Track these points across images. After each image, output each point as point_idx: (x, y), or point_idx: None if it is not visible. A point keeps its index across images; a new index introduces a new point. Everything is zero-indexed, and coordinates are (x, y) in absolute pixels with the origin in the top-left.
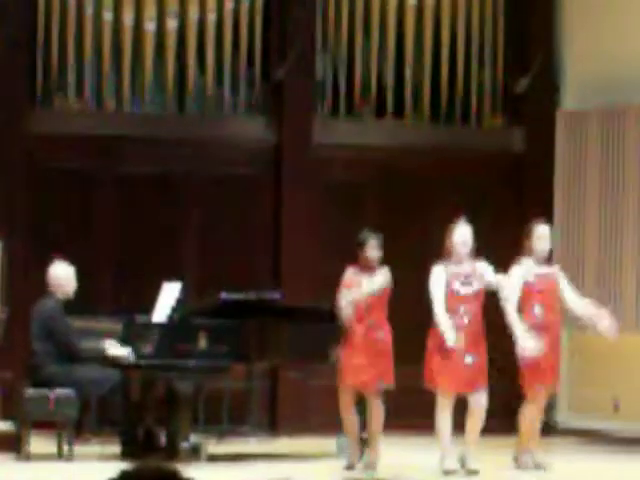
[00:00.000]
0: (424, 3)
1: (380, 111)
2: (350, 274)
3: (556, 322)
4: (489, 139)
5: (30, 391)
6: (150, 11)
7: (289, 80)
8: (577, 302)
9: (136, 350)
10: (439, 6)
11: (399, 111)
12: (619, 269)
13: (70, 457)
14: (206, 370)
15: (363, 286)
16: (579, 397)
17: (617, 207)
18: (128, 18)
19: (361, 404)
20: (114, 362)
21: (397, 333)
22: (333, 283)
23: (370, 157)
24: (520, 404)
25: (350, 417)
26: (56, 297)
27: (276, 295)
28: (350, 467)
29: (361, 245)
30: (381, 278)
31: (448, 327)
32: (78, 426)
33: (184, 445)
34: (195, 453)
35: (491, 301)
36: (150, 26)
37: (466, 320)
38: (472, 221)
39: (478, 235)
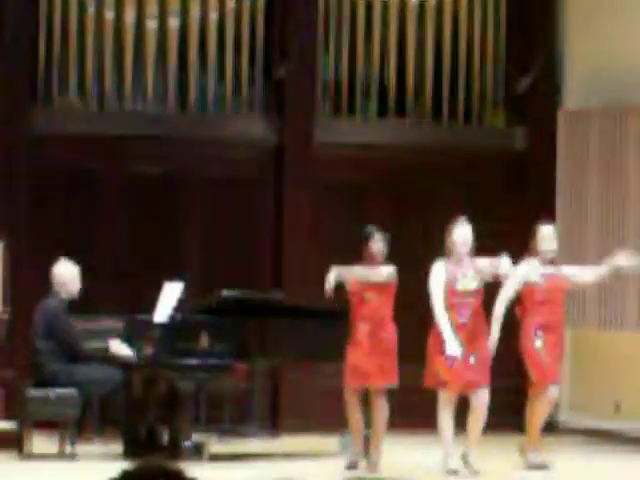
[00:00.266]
0: (426, 2)
1: (382, 110)
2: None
3: (560, 322)
4: (491, 138)
5: (32, 391)
6: (152, 10)
7: (291, 79)
8: (592, 272)
9: (138, 349)
10: (441, 5)
11: (401, 110)
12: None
13: (72, 456)
14: (208, 369)
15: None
16: (581, 396)
17: (619, 205)
18: (130, 17)
19: (365, 403)
20: (116, 361)
21: (399, 332)
22: None
23: (372, 156)
24: (522, 402)
25: (355, 416)
26: (60, 296)
27: (278, 295)
28: (352, 466)
29: (366, 239)
30: (384, 271)
31: (449, 335)
32: (80, 425)
33: (186, 444)
34: (197, 452)
35: (492, 301)
36: (152, 25)
37: (466, 318)
38: (474, 220)
39: (480, 234)
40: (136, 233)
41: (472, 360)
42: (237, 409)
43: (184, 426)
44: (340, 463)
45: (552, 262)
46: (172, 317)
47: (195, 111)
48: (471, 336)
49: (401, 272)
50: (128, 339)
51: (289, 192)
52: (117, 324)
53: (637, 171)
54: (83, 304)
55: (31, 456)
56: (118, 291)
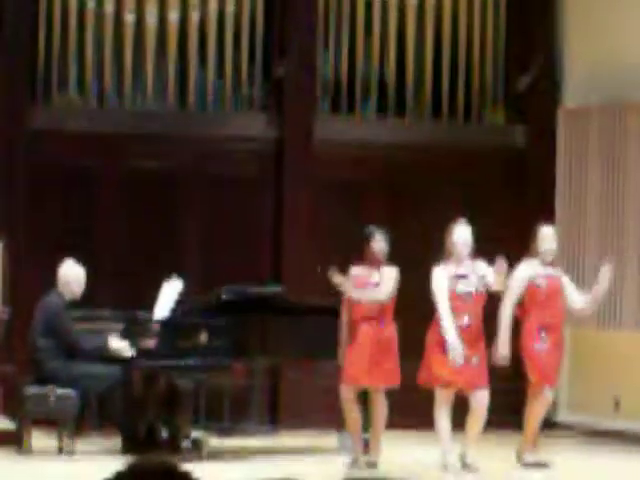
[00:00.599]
0: (425, 1)
1: (381, 108)
2: (357, 272)
3: (561, 322)
4: (490, 136)
5: (31, 388)
6: (151, 6)
7: (290, 77)
8: (581, 300)
9: (137, 347)
10: (440, 3)
11: (400, 108)
12: (620, 266)
13: (71, 453)
14: (207, 368)
15: (370, 291)
16: (580, 395)
17: (618, 203)
18: (129, 14)
19: (364, 401)
20: (116, 358)
21: (398, 331)
22: None
23: (371, 154)
24: (521, 402)
25: (353, 415)
26: (61, 295)
27: (276, 288)
28: (354, 464)
29: (367, 239)
30: (388, 286)
31: (456, 342)
32: (79, 422)
33: (185, 441)
34: (196, 449)
35: (492, 301)
36: (151, 22)
37: (467, 320)
38: (473, 218)
39: (479, 232)
40: (135, 230)
41: (475, 361)
42: (236, 407)
43: (183, 423)
44: (339, 461)
45: (552, 263)
46: (171, 315)
47: (194, 109)
48: (473, 338)
49: (400, 270)
50: (127, 337)
51: (288, 190)
52: (117, 322)
53: (637, 168)
54: (82, 301)
55: (30, 453)
56: (117, 288)
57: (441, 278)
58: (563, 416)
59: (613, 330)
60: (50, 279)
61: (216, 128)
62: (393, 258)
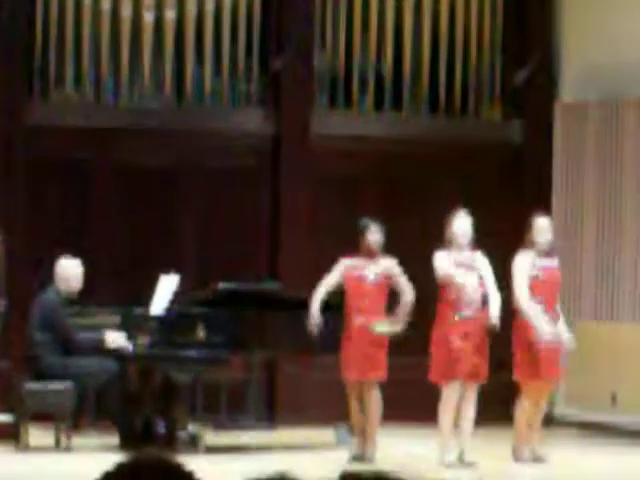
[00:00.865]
0: None
1: (378, 102)
2: (350, 264)
3: (558, 313)
4: (487, 131)
5: (28, 383)
6: (148, 2)
7: (287, 71)
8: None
9: (134, 341)
10: None
11: (397, 103)
12: (618, 260)
13: (68, 448)
14: (204, 362)
15: (379, 325)
16: (577, 389)
17: (615, 198)
18: (126, 9)
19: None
20: (113, 353)
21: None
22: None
23: (368, 149)
24: (514, 397)
25: (354, 408)
26: (59, 290)
27: (274, 286)
28: (356, 459)
29: (362, 231)
30: (405, 283)
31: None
32: (76, 417)
33: (182, 435)
34: (193, 443)
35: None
36: (148, 17)
37: (470, 310)
38: (470, 212)
39: (477, 226)
40: (133, 225)
41: (476, 355)
42: (233, 401)
43: (180, 418)
44: (337, 455)
45: (547, 254)
46: (169, 309)
47: (192, 103)
48: (476, 327)
49: (398, 264)
50: (125, 331)
51: (286, 184)
52: (114, 316)
53: (633, 163)
54: (80, 296)
55: (27, 448)
56: (114, 283)
57: (444, 260)
58: (561, 410)
59: (610, 324)
60: (47, 274)
61: (213, 122)
62: (390, 252)
